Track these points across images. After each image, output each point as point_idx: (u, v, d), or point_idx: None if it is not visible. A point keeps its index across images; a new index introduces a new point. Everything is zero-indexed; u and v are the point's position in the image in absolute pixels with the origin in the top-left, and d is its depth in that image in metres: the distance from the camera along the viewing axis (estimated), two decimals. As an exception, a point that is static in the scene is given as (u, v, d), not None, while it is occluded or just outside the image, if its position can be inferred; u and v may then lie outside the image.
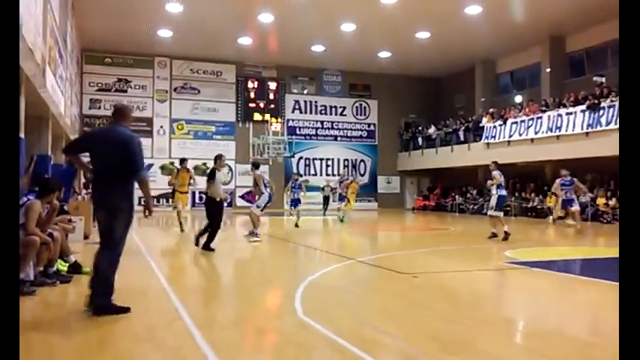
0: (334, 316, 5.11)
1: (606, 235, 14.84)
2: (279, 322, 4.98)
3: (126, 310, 4.92)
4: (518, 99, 25.80)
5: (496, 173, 12.39)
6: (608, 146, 17.51)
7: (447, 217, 22.93)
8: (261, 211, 12.32)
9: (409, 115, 31.33)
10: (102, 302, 4.85)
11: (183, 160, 15.24)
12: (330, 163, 29.64)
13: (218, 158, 10.36)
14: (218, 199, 9.99)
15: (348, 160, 29.95)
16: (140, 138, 5.42)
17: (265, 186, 12.22)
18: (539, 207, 21.46)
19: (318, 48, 25.57)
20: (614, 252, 10.59)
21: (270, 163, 26.67)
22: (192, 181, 14.97)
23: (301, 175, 20.78)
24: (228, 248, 11.04)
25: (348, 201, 18.96)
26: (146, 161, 6.96)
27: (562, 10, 20.33)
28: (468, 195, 26.06)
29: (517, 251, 10.13)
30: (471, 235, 15.15)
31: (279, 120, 28.25)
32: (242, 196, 27.73)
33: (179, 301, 5.63)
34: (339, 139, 30.07)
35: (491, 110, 24.33)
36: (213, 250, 9.73)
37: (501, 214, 12.42)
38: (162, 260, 9.57)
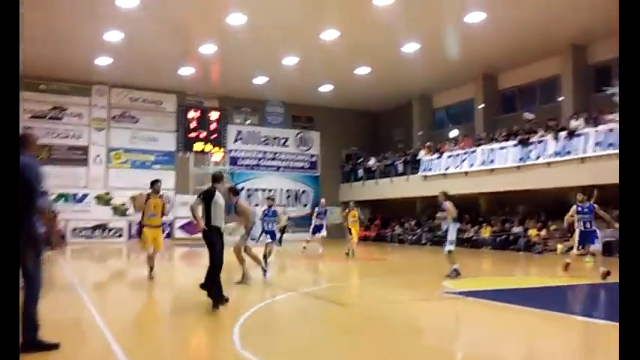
0: (273, 349, 5.06)
1: (539, 266, 15.44)
2: (216, 357, 4.88)
3: (54, 346, 4.70)
4: (454, 133, 26.77)
5: (448, 205, 11.15)
6: (538, 179, 18.40)
7: (387, 247, 23.24)
8: (256, 242, 10.77)
9: (351, 147, 31.83)
10: (28, 339, 4.62)
11: (154, 183, 11.27)
12: (272, 193, 29.61)
13: (220, 178, 7.98)
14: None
15: (290, 190, 30.01)
16: (40, 166, 4.84)
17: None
18: (474, 237, 22.12)
19: (260, 80, 25.74)
20: (547, 281, 11.04)
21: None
22: (166, 209, 11.53)
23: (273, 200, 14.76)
24: (167, 278, 10.74)
25: (350, 232, 17.47)
26: (53, 189, 6.44)
27: (494, 50, 21.41)
28: (407, 225, 26.56)
29: (455, 281, 10.38)
30: (411, 265, 15.42)
31: (221, 150, 28.03)
32: (182, 227, 27.15)
33: (112, 335, 5.42)
34: (281, 169, 30.13)
35: (428, 144, 25.10)
36: (226, 300, 7.44)
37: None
38: (95, 294, 9.21)
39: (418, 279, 11.44)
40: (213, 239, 7.25)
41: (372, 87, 26.49)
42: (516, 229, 20.54)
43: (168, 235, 27.09)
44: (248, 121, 29.67)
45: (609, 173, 15.75)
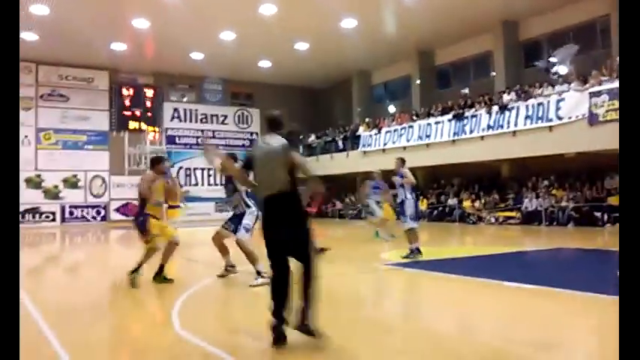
0: (211, 327, 5.05)
1: (473, 235, 16.04)
2: (156, 339, 4.82)
3: None
4: (392, 109, 27.16)
5: (407, 171, 10.21)
6: (472, 153, 19.00)
7: (329, 223, 23.49)
8: (250, 234, 7.71)
9: (291, 124, 31.65)
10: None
11: (158, 161, 7.95)
12: (211, 172, 29.16)
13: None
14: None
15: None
16: None
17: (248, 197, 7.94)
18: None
19: (197, 55, 25.13)
20: (481, 250, 11.49)
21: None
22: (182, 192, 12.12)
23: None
24: (104, 264, 10.47)
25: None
26: None
27: (429, 27, 21.77)
28: (347, 201, 26.91)
29: (392, 253, 10.64)
30: (351, 239, 15.66)
31: (157, 129, 27.29)
32: (117, 209, 26.44)
33: (46, 323, 5.25)
34: (220, 148, 29.63)
35: (367, 120, 25.39)
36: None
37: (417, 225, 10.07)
38: (28, 280, 8.85)
39: (359, 253, 11.65)
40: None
41: (311, 63, 26.42)
42: (451, 202, 21.21)
43: (104, 218, 26.33)
44: (185, 99, 29.00)
45: (539, 145, 16.51)
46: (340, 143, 26.35)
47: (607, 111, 14.54)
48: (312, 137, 28.77)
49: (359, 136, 24.80)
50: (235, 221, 7.72)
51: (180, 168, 28.09)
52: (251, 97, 30.71)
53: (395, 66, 26.97)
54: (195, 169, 28.69)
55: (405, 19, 20.67)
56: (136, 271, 7.39)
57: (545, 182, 18.44)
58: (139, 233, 7.61)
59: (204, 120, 29.40)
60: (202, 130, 28.97)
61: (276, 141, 4.59)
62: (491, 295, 6.62)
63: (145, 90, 27.17)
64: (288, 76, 29.18)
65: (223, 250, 8.02)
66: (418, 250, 9.78)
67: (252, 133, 30.58)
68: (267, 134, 4.76)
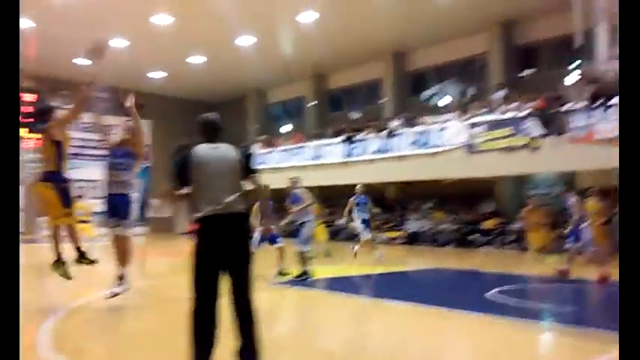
0: (87, 348, 4.79)
1: (360, 254, 16.48)
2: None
3: None
4: (286, 128, 27.46)
5: (304, 191, 10.08)
6: (361, 174, 19.63)
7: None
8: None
9: (183, 138, 30.96)
10: None
11: None
12: (96, 185, 27.61)
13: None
14: None
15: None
16: None
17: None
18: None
19: (84, 61, 23.85)
20: (366, 270, 11.85)
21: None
22: None
23: None
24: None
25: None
26: None
27: (325, 51, 22.33)
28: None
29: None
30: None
31: (40, 136, 25.36)
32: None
33: None
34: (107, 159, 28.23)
35: (261, 137, 25.45)
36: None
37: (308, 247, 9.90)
38: None
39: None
40: None
41: (207, 77, 26.08)
42: (341, 221, 21.71)
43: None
44: (70, 106, 27.32)
45: (422, 170, 17.43)
46: (234, 160, 26.12)
47: (484, 141, 15.74)
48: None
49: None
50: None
51: (61, 179, 26.31)
52: (142, 108, 29.58)
53: (291, 86, 27.36)
54: (77, 180, 26.99)
55: (302, 41, 21.09)
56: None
57: (427, 205, 19.50)
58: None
59: (89, 130, 27.84)
60: (87, 140, 27.41)
61: (227, 147, 4.04)
62: (377, 313, 6.86)
63: (25, 95, 25.22)
64: (182, 88, 28.56)
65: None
66: (307, 273, 9.54)
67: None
68: (206, 142, 4.08)
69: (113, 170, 7.21)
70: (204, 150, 3.98)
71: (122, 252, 6.91)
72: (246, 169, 4.02)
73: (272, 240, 9.71)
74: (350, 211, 13.16)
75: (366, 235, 12.94)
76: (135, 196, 7.30)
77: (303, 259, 9.58)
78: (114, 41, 21.17)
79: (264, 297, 8.15)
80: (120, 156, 7.10)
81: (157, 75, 26.13)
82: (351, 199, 13.21)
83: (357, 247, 13.06)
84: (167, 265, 14.23)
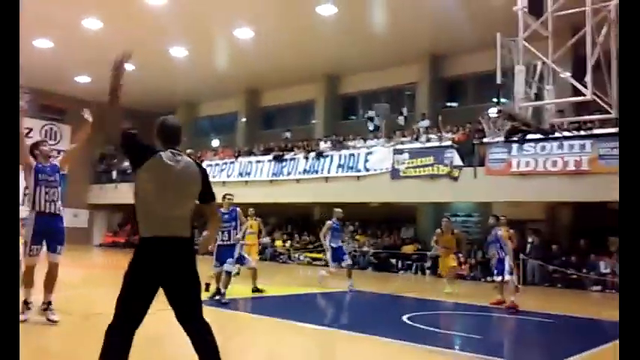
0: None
1: (283, 275, 16.41)
2: None
3: None
4: (215, 143, 27.12)
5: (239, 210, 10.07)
6: (288, 194, 19.67)
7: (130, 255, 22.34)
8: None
9: (105, 147, 29.87)
10: None
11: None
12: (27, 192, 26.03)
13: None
14: None
15: (29, 188, 26.69)
16: None
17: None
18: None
19: None
20: (285, 290, 11.77)
21: None
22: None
23: None
24: None
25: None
26: None
27: (259, 69, 22.38)
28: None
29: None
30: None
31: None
32: None
33: None
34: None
35: (188, 151, 24.92)
36: None
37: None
38: None
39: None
40: None
41: (135, 85, 25.24)
42: (265, 240, 21.56)
43: None
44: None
45: (347, 193, 17.66)
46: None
47: (407, 168, 16.19)
48: (127, 162, 27.37)
49: (178, 167, 24.22)
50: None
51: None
52: (64, 112, 28.34)
53: (223, 101, 27.11)
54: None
55: (236, 56, 21.02)
56: None
57: (351, 227, 19.74)
58: None
59: None
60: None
61: (188, 161, 3.54)
62: (293, 336, 6.81)
63: None
64: (107, 95, 27.56)
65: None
66: (220, 292, 9.06)
67: (60, 152, 27.99)
68: (166, 150, 3.53)
69: (47, 188, 6.56)
70: (160, 160, 3.42)
71: (53, 278, 6.41)
72: (205, 192, 3.57)
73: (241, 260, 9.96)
74: (324, 236, 12.17)
75: (346, 262, 12.08)
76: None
77: (224, 278, 9.08)
78: (38, 41, 20.26)
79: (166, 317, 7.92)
80: (52, 172, 6.53)
81: (83, 79, 25.17)
82: (329, 222, 12.23)
83: (323, 272, 12.44)
84: (80, 278, 13.57)
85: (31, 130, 26.93)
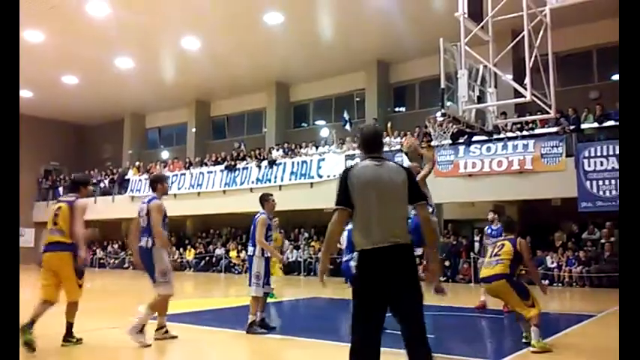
0: None
1: (238, 286, 16.24)
2: None
3: None
4: (165, 155, 26.69)
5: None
6: (241, 204, 19.49)
7: (87, 272, 21.66)
8: None
9: (50, 162, 28.94)
10: None
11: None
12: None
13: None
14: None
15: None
16: None
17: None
18: (179, 260, 22.22)
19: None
20: (244, 301, 11.67)
21: None
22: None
23: None
24: None
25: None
26: None
27: (207, 78, 22.21)
28: (110, 249, 25.24)
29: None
30: (106, 290, 14.66)
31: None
32: None
33: None
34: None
35: (137, 163, 24.48)
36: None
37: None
38: None
39: (114, 304, 10.94)
40: None
41: (80, 98, 24.72)
42: (219, 251, 21.35)
43: None
44: None
45: (301, 200, 17.70)
46: (106, 185, 24.81)
47: (359, 173, 16.36)
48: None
49: (128, 180, 23.70)
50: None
51: None
52: (4, 128, 27.31)
53: (172, 112, 26.73)
54: None
55: (183, 67, 20.80)
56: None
57: (306, 234, 19.77)
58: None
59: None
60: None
61: (393, 166, 3.45)
62: (249, 345, 6.77)
63: None
64: (52, 109, 26.78)
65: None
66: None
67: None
68: (366, 158, 3.45)
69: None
70: (366, 167, 3.38)
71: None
72: (413, 194, 3.42)
73: None
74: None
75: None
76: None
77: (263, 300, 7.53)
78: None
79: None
80: None
81: (25, 94, 24.33)
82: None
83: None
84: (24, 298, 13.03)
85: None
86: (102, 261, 24.79)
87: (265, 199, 7.40)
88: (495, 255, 6.19)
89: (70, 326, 6.12)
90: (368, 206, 3.27)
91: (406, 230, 3.36)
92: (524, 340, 6.11)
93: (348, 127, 19.21)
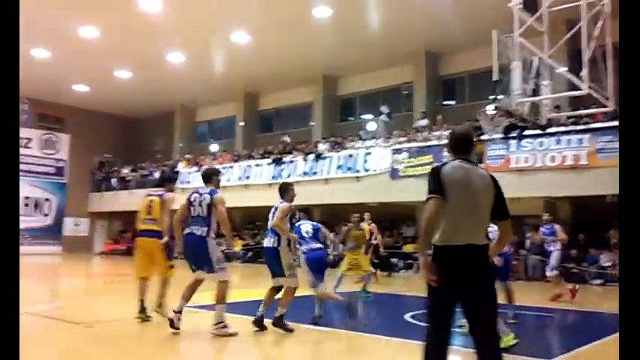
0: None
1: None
2: None
3: None
4: (214, 148, 27.15)
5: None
6: (287, 197, 19.66)
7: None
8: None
9: (104, 154, 29.92)
10: None
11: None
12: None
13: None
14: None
15: (29, 197, 26.73)
16: None
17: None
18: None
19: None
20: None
21: None
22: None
23: None
24: None
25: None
26: None
27: (257, 72, 22.44)
28: (160, 239, 25.90)
29: (199, 294, 10.41)
30: (156, 279, 15.02)
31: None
32: None
33: None
34: (20, 173, 26.73)
35: (187, 156, 25.00)
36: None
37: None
38: None
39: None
40: None
41: (133, 92, 25.43)
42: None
43: None
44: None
45: (347, 193, 17.68)
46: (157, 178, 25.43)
47: (406, 167, 16.22)
48: (127, 170, 27.40)
49: (178, 173, 24.24)
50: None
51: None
52: (62, 121, 28.40)
53: (221, 105, 27.15)
54: None
55: (233, 61, 21.08)
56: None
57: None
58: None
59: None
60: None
61: (482, 172, 3.55)
62: (293, 337, 6.83)
63: None
64: (106, 102, 27.67)
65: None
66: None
67: (58, 160, 28.08)
68: (456, 159, 3.53)
69: None
70: (457, 168, 3.45)
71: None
72: (500, 209, 3.51)
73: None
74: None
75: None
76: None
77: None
78: (35, 51, 20.29)
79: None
80: None
81: (80, 88, 25.21)
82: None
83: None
84: (82, 287, 13.59)
85: (29, 140, 27.00)
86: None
87: (286, 189, 7.31)
88: None
89: (160, 301, 7.28)
90: (457, 205, 3.33)
91: (485, 234, 3.42)
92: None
93: (385, 118, 19.07)
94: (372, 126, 20.71)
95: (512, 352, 5.59)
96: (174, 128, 28.67)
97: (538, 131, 13.36)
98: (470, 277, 3.29)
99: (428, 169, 16.45)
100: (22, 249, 20.66)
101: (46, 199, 27.47)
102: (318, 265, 7.25)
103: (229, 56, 20.70)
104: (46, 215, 26.91)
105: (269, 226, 6.98)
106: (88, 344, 5.91)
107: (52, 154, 27.90)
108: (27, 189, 26.22)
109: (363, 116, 22.99)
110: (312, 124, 23.85)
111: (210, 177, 7.05)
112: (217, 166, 22.39)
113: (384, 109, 19.41)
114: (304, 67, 21.63)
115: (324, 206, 20.51)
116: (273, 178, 20.17)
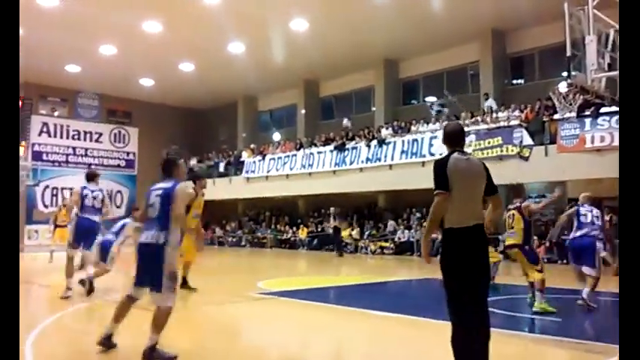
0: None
1: (349, 265, 16.36)
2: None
3: None
4: (277, 136, 27.36)
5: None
6: (351, 183, 19.55)
7: (205, 250, 22.89)
8: None
9: (171, 146, 30.75)
10: None
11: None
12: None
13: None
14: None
15: (102, 190, 27.79)
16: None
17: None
18: (292, 239, 22.79)
19: (73, 68, 23.70)
20: (355, 279, 11.72)
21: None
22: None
23: None
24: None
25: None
26: None
27: (316, 59, 22.30)
28: (228, 227, 26.46)
29: (268, 282, 10.53)
30: (226, 267, 15.34)
31: (23, 143, 25.08)
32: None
33: None
34: (93, 167, 27.93)
35: (251, 146, 25.31)
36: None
37: None
38: None
39: (234, 280, 11.41)
40: None
41: (196, 84, 25.93)
42: (330, 230, 21.58)
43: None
44: (56, 113, 27.09)
45: (412, 179, 17.33)
46: (223, 168, 25.94)
47: (474, 150, 15.67)
48: (194, 161, 28.07)
49: (243, 162, 24.61)
50: None
51: (47, 187, 25.99)
52: (129, 115, 29.40)
53: (282, 94, 27.25)
54: (63, 188, 26.66)
55: (292, 48, 21.04)
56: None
57: (418, 214, 19.40)
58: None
59: (76, 137, 27.51)
60: (74, 148, 27.08)
61: (476, 160, 4.03)
62: (361, 323, 6.73)
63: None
64: (170, 96, 28.40)
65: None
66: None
67: (128, 153, 29.14)
68: (454, 152, 3.91)
69: None
70: (459, 160, 3.86)
71: None
72: (490, 187, 3.99)
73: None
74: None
75: None
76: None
77: None
78: (103, 48, 21.02)
79: (248, 307, 8.02)
80: None
81: (146, 82, 25.96)
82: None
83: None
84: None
85: (100, 134, 28.12)
86: (220, 239, 26.07)
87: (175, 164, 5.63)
88: None
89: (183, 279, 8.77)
90: (463, 191, 3.78)
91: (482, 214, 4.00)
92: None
93: (438, 107, 18.57)
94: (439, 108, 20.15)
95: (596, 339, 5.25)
96: (238, 118, 29.08)
97: (615, 108, 12.54)
98: (481, 252, 3.80)
99: (497, 151, 15.88)
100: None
101: (118, 192, 28.58)
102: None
103: (289, 44, 20.66)
104: (119, 207, 28.00)
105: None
106: (172, 327, 6.02)
107: (121, 148, 28.94)
108: (100, 182, 27.08)
109: (427, 99, 22.45)
110: (373, 108, 23.53)
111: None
112: (280, 154, 22.52)
113: (447, 94, 18.84)
114: (364, 50, 21.30)
115: (388, 192, 20.28)
116: (336, 164, 20.09)
